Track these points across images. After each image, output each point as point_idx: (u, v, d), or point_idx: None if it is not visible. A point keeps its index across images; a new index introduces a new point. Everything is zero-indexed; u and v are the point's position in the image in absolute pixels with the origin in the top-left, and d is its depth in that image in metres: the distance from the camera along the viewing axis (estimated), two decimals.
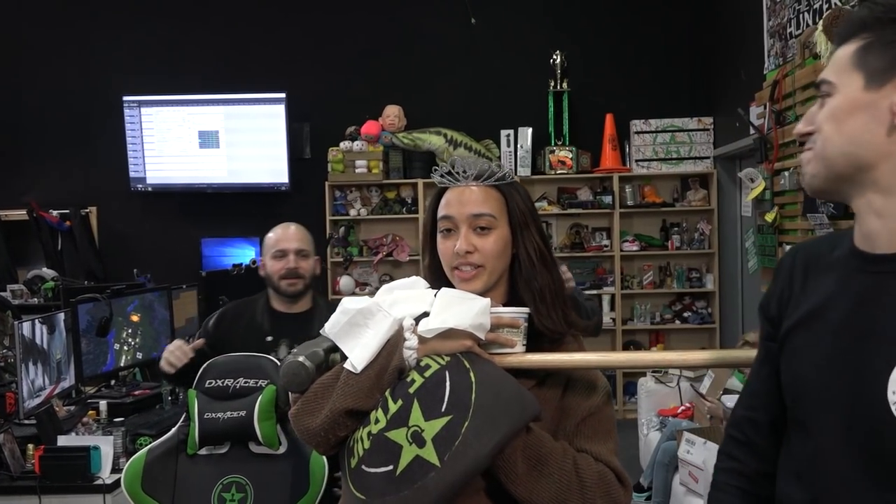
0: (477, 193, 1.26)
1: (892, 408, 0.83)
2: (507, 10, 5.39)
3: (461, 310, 1.18)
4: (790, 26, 3.65)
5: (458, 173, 1.27)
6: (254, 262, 4.77)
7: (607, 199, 5.21)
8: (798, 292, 1.00)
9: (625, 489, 1.19)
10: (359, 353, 1.17)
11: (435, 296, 1.24)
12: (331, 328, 1.21)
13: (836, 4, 3.11)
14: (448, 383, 1.13)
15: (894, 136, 0.87)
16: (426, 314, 1.20)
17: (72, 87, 5.60)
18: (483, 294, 1.23)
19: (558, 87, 5.29)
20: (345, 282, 5.39)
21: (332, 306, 2.66)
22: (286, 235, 2.44)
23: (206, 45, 5.54)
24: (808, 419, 0.93)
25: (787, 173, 3.52)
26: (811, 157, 0.93)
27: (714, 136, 5.14)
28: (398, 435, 1.12)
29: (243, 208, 5.46)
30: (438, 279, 1.30)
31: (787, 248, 3.63)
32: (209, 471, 2.03)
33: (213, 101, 5.42)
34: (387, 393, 1.16)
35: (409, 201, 5.41)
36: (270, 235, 2.45)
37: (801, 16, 3.53)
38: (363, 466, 1.13)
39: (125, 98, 5.43)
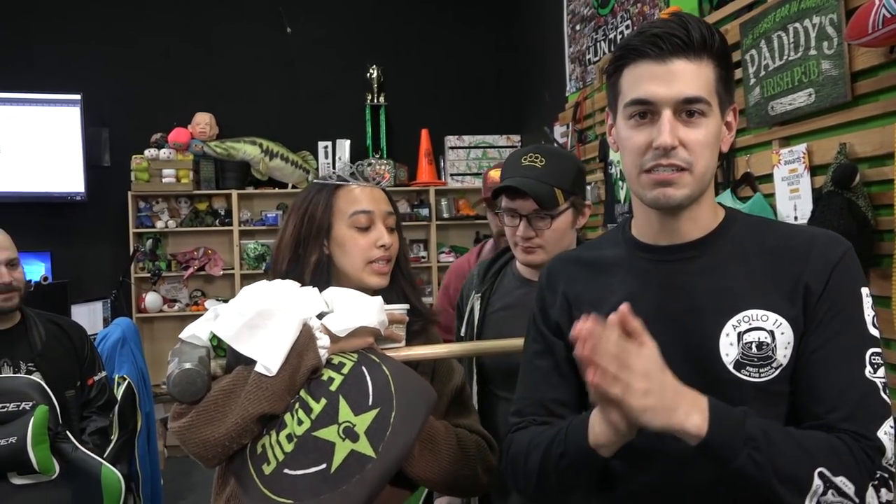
0: (384, 195, 1.36)
1: (728, 366, 0.96)
2: (324, 22, 5.37)
3: (363, 308, 1.22)
4: (588, 53, 4.00)
5: (364, 177, 1.35)
6: (45, 278, 4.33)
7: (424, 211, 5.35)
8: (582, 297, 1.09)
9: (494, 453, 1.34)
10: (271, 355, 1.14)
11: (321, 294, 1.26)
12: (225, 331, 1.17)
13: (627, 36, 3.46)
14: (368, 378, 1.17)
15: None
16: (323, 314, 1.22)
17: None
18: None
19: (375, 100, 5.36)
20: (151, 298, 5.04)
21: (42, 316, 2.39)
22: None
23: None
24: None
25: (588, 188, 3.84)
26: (690, 181, 0.98)
27: None
28: (329, 433, 1.12)
29: (31, 219, 4.90)
30: (322, 276, 1.31)
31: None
32: None
33: None
34: (303, 394, 1.16)
35: (223, 213, 5.18)
36: None
37: (598, 44, 3.89)
38: (286, 471, 1.11)
39: None
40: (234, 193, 5.12)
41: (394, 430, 1.13)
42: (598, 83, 3.74)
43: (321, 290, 1.28)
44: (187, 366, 1.15)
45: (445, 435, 1.26)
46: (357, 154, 5.34)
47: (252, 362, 1.16)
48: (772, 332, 0.96)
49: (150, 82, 5.14)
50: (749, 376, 0.96)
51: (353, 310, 1.21)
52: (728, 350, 0.96)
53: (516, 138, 5.46)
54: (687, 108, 0.96)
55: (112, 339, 2.66)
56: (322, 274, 1.31)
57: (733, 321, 0.97)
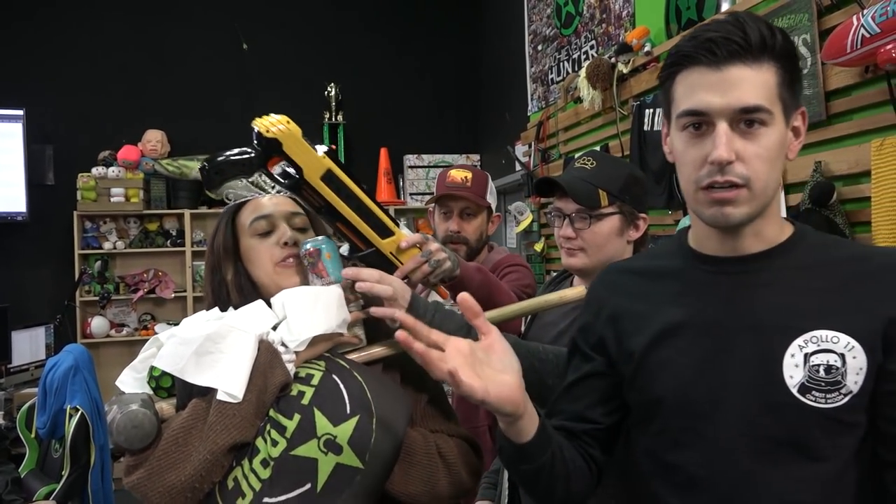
0: (285, 198, 1.30)
1: (792, 389, 0.89)
2: (281, 39, 5.27)
3: (321, 309, 1.13)
4: (551, 73, 4.01)
5: (265, 182, 1.28)
6: None
7: None
8: (631, 308, 1.04)
9: (478, 454, 1.27)
10: (233, 380, 1.04)
11: (269, 305, 1.18)
12: (171, 364, 1.06)
13: (592, 56, 3.48)
14: (342, 386, 1.09)
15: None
16: (277, 324, 1.14)
17: None
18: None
19: (333, 119, 5.28)
20: (97, 323, 4.81)
21: None
22: None
23: None
24: (698, 424, 0.95)
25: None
26: (748, 197, 0.91)
27: None
28: (308, 449, 1.03)
29: None
30: (247, 293, 1.24)
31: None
32: None
33: None
34: (272, 413, 1.06)
35: (174, 233, 5.00)
36: None
37: (561, 64, 3.90)
38: (266, 500, 1.01)
39: None
40: (187, 213, 4.95)
41: (378, 437, 1.06)
42: (561, 102, 3.75)
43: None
44: (133, 407, 1.03)
45: (424, 444, 1.19)
46: None
47: (206, 393, 1.06)
48: (842, 356, 0.88)
49: (99, 98, 4.95)
50: (815, 402, 0.88)
51: (309, 313, 1.13)
52: (793, 372, 0.89)
53: (476, 157, 5.45)
54: (745, 118, 0.89)
55: (63, 368, 2.49)
56: (246, 294, 1.24)
57: (800, 341, 0.90)
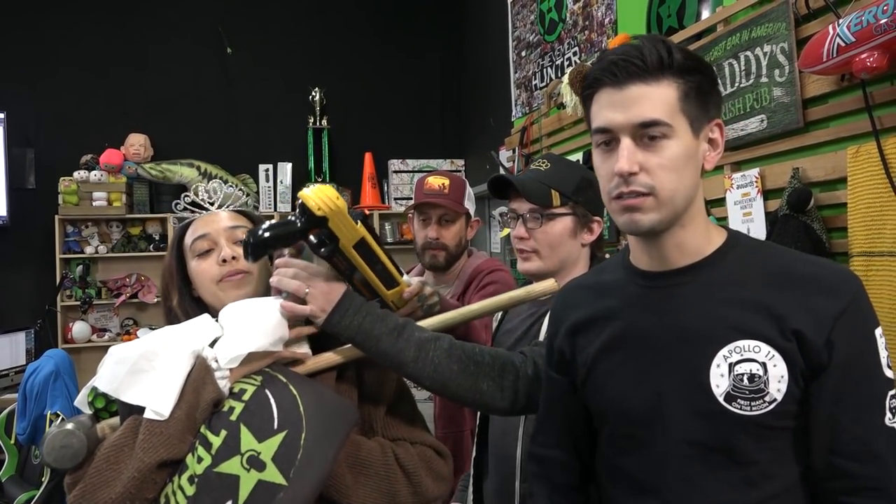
0: (226, 215, 1.31)
1: (719, 398, 0.94)
2: (266, 43, 5.27)
3: (256, 325, 1.13)
4: (535, 79, 4.04)
5: (203, 200, 1.30)
6: None
7: None
8: (581, 320, 1.11)
9: (445, 459, 1.27)
10: (161, 397, 1.04)
11: (216, 319, 1.19)
12: (107, 384, 1.07)
13: (575, 62, 3.51)
14: (273, 400, 1.08)
15: (698, 179, 1.00)
16: (217, 339, 1.14)
17: None
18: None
19: (318, 123, 5.27)
20: (78, 328, 4.77)
21: None
22: None
23: None
24: (639, 432, 1.01)
25: None
26: (654, 205, 0.96)
27: (465, 177, 5.48)
28: (231, 466, 1.03)
29: None
30: (194, 315, 1.24)
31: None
32: None
33: None
34: (202, 430, 1.06)
35: (157, 238, 4.97)
36: None
37: (544, 70, 3.93)
38: None
39: None
40: (170, 217, 4.92)
41: (306, 452, 1.05)
42: (545, 108, 3.77)
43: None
44: (66, 427, 1.05)
45: (381, 455, 1.19)
46: (299, 177, 5.23)
47: (144, 410, 1.07)
48: (764, 365, 0.92)
49: (81, 101, 4.92)
50: (740, 409, 0.92)
51: (243, 329, 1.13)
52: (719, 381, 0.94)
53: (460, 162, 5.47)
54: (647, 132, 0.95)
55: (43, 373, 2.48)
56: (193, 316, 1.25)
57: (724, 351, 0.94)
